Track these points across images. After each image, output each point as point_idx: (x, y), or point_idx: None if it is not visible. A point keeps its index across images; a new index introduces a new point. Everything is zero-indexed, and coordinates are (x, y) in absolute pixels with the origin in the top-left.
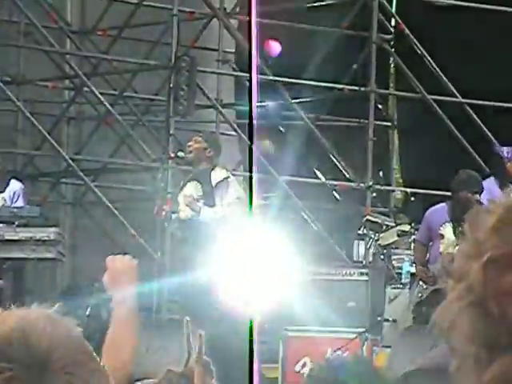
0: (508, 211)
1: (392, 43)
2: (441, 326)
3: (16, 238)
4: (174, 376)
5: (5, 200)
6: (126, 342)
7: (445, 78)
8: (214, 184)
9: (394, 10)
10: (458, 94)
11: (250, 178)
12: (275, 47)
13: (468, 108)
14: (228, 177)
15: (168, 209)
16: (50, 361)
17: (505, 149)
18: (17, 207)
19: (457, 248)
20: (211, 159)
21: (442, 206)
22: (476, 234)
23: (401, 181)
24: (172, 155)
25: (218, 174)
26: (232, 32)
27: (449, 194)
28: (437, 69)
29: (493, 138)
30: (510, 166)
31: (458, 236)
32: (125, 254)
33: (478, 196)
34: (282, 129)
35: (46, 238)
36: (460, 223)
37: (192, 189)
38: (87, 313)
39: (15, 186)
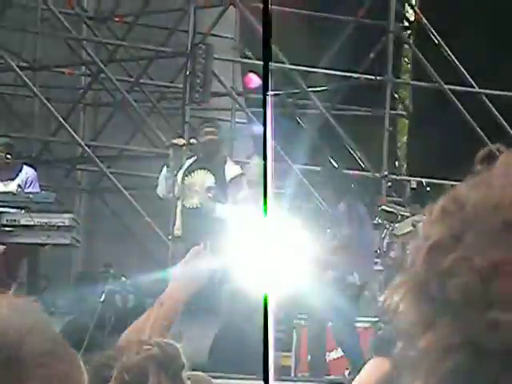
0: (449, 202)
1: (409, 32)
2: (387, 309)
3: (31, 223)
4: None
5: (19, 186)
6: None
7: (462, 68)
8: (228, 179)
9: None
10: (474, 84)
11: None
12: (254, 80)
13: (485, 98)
14: (242, 174)
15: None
16: (20, 350)
17: None
18: (32, 193)
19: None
20: (223, 151)
21: None
22: (424, 228)
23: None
24: (185, 142)
25: (231, 169)
26: (248, 20)
27: None
28: (453, 58)
29: (510, 128)
30: None
31: None
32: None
33: None
34: (297, 118)
35: (61, 224)
36: None
37: (202, 177)
38: (101, 299)
39: (28, 172)
